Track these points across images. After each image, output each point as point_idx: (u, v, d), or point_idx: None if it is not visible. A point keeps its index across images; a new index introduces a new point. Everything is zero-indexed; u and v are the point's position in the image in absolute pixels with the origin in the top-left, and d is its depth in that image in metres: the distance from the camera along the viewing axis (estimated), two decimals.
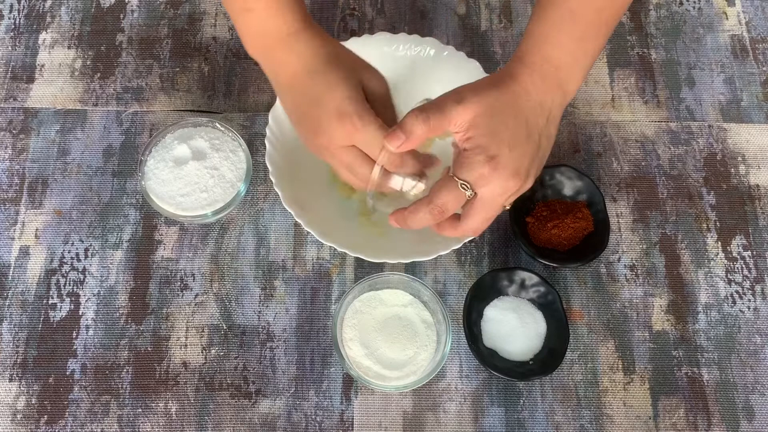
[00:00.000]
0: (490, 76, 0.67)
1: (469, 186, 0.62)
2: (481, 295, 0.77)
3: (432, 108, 0.62)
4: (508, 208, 0.66)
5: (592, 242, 0.78)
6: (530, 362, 0.75)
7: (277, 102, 0.78)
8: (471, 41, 0.91)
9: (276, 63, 0.67)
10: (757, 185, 0.85)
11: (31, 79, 0.89)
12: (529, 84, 0.63)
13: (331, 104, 0.63)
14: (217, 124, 0.82)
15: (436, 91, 0.83)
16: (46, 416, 0.75)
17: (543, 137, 0.64)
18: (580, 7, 0.63)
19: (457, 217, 0.66)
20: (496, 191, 0.63)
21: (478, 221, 0.65)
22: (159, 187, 0.79)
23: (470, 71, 0.81)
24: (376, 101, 0.66)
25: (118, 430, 0.74)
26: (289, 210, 0.73)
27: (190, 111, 0.88)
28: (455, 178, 0.62)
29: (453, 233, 0.67)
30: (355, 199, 0.80)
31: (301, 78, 0.65)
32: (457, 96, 0.62)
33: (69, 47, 0.91)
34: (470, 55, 0.81)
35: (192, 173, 0.79)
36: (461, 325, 0.76)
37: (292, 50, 0.65)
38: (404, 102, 0.85)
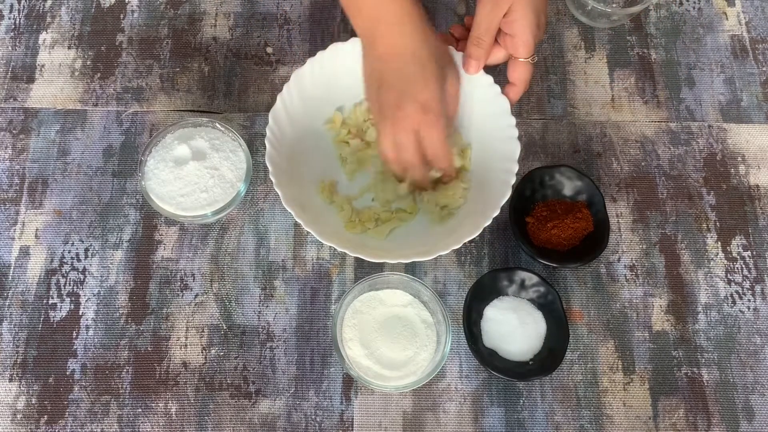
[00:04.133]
0: None
1: (532, 57, 0.76)
2: (480, 295, 0.77)
3: (477, 30, 0.75)
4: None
5: (592, 242, 0.78)
6: (530, 362, 0.75)
7: (278, 102, 0.78)
8: None
9: (381, 35, 0.72)
10: (757, 185, 0.85)
11: (31, 79, 0.89)
12: None
13: (420, 95, 0.71)
14: (217, 124, 0.82)
15: None
16: (46, 416, 0.75)
17: None
18: None
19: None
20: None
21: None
22: (159, 187, 0.79)
23: None
24: (447, 97, 0.76)
25: (118, 430, 0.75)
26: (289, 210, 0.73)
27: (190, 111, 0.88)
28: (526, 61, 0.76)
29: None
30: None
31: (404, 57, 0.71)
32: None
33: (69, 47, 0.91)
34: None
35: (192, 173, 0.79)
36: (461, 325, 0.76)
37: (403, 32, 0.71)
38: None
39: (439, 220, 0.80)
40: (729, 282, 0.81)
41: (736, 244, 0.83)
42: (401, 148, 0.74)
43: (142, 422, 0.75)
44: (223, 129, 0.82)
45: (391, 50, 0.71)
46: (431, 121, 0.72)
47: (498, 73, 0.79)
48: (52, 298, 0.79)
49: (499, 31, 0.76)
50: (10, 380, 0.76)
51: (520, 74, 0.77)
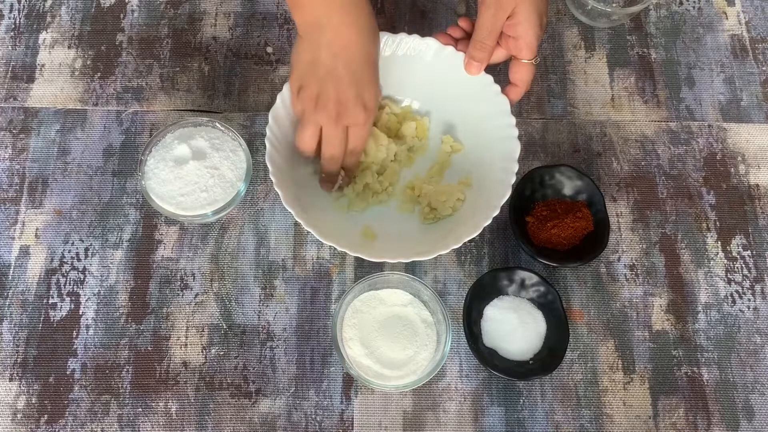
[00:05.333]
0: None
1: (535, 58, 0.77)
2: (481, 295, 0.77)
3: (480, 33, 0.76)
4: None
5: (592, 242, 0.78)
6: (530, 362, 0.75)
7: (278, 101, 0.78)
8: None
9: (331, 24, 0.70)
10: (757, 185, 0.85)
11: (31, 79, 0.89)
12: None
13: (366, 93, 0.72)
14: (217, 124, 0.82)
15: (436, 91, 0.83)
16: (46, 416, 0.75)
17: None
18: None
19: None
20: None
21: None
22: (159, 187, 0.79)
23: None
24: None
25: (118, 429, 0.75)
26: (289, 210, 0.73)
27: (191, 111, 0.88)
28: (529, 62, 0.77)
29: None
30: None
31: (352, 51, 0.70)
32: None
33: (69, 47, 0.91)
34: None
35: (192, 173, 0.79)
36: (461, 325, 0.76)
37: (357, 25, 0.70)
38: (404, 101, 0.86)
39: (422, 219, 0.80)
40: (729, 281, 0.81)
41: (736, 243, 0.83)
42: (329, 142, 0.75)
43: (142, 422, 0.75)
44: (223, 128, 0.82)
45: (341, 41, 0.70)
46: (365, 120, 0.73)
47: (498, 72, 0.79)
48: (53, 297, 0.79)
49: (501, 31, 0.76)
50: (11, 380, 0.76)
51: (522, 75, 0.77)
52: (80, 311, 0.79)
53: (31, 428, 0.75)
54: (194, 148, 0.80)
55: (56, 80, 0.89)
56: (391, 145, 0.81)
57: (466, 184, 0.81)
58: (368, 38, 0.71)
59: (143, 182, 0.80)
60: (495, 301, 0.77)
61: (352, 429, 0.75)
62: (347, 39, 0.70)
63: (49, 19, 0.92)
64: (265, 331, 0.78)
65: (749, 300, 0.80)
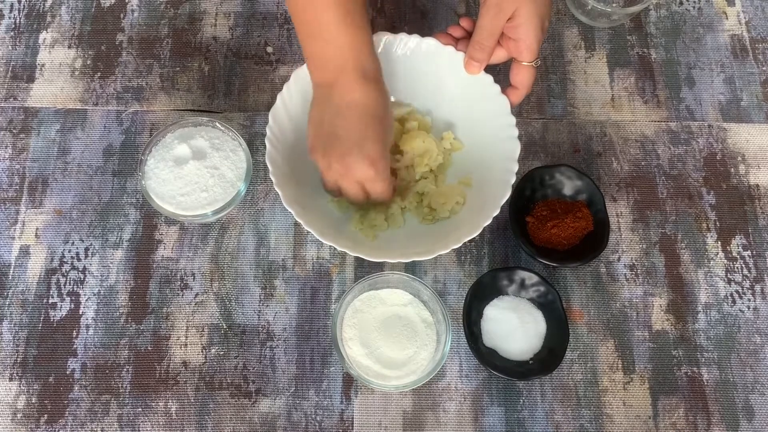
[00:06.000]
0: None
1: (536, 60, 0.77)
2: (481, 295, 0.77)
3: (480, 34, 0.77)
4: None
5: (592, 242, 0.78)
6: (530, 362, 0.75)
7: (278, 101, 0.78)
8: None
9: (340, 87, 0.71)
10: (757, 185, 0.85)
11: (31, 79, 0.89)
12: None
13: (373, 149, 0.71)
14: (218, 124, 0.82)
15: (436, 91, 0.83)
16: (46, 415, 0.75)
17: None
18: None
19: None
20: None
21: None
22: (159, 187, 0.79)
23: None
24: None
25: (118, 429, 0.75)
26: (289, 210, 0.73)
27: (191, 110, 0.88)
28: (530, 65, 0.77)
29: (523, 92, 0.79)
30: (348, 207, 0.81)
31: (358, 112, 0.71)
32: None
33: (69, 47, 0.91)
34: None
35: (192, 173, 0.79)
36: (461, 325, 0.76)
37: (362, 89, 0.70)
38: (404, 102, 0.86)
39: (421, 220, 0.80)
40: (729, 281, 0.81)
41: (736, 243, 0.83)
42: (347, 194, 0.75)
43: (142, 421, 0.75)
44: (223, 128, 0.82)
45: (348, 103, 0.70)
46: (375, 175, 0.72)
47: (498, 72, 0.79)
48: (53, 297, 0.79)
49: (502, 33, 0.76)
50: (11, 379, 0.76)
51: (523, 78, 0.77)
52: (80, 311, 0.79)
53: (31, 428, 0.75)
54: (194, 147, 0.80)
55: (56, 80, 0.89)
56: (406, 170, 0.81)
57: (466, 184, 0.81)
58: (373, 97, 0.71)
59: (143, 182, 0.80)
60: (495, 301, 0.77)
61: (352, 429, 0.75)
62: (350, 98, 0.70)
63: (49, 18, 0.92)
64: (265, 331, 0.78)
65: (749, 300, 0.80)
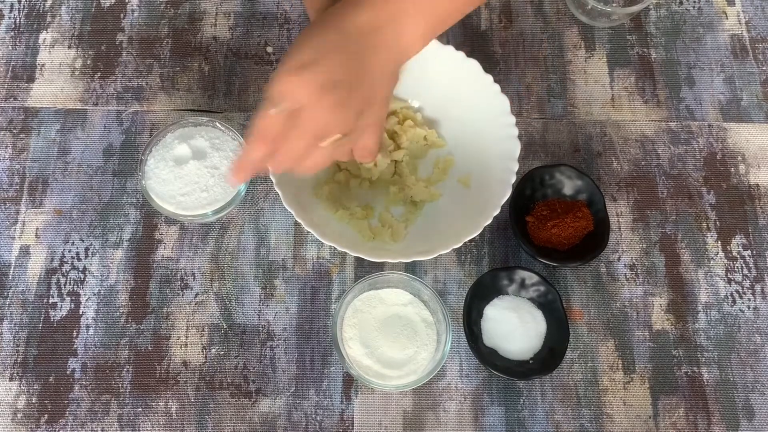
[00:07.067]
0: None
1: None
2: (481, 295, 0.77)
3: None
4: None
5: (592, 241, 0.78)
6: (530, 361, 0.75)
7: None
8: (471, 41, 0.91)
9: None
10: (757, 185, 0.85)
11: (31, 79, 0.89)
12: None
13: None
14: (218, 124, 0.82)
15: (435, 91, 0.83)
16: (46, 415, 0.75)
17: None
18: None
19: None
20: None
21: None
22: (159, 187, 0.79)
23: (470, 71, 0.81)
24: None
25: (118, 429, 0.75)
26: (289, 210, 0.73)
27: (191, 110, 0.88)
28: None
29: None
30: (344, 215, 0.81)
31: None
32: None
33: (69, 47, 0.91)
34: (470, 54, 0.81)
35: (192, 172, 0.79)
36: (461, 324, 0.76)
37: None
38: (404, 101, 0.86)
39: (403, 206, 0.81)
40: (729, 281, 0.81)
41: (736, 243, 0.83)
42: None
43: (142, 421, 0.75)
44: (223, 128, 0.82)
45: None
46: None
47: (498, 72, 0.80)
48: (53, 297, 0.79)
49: None
50: (11, 379, 0.76)
51: None
52: (80, 311, 0.79)
53: (31, 428, 0.75)
54: (194, 147, 0.80)
55: (56, 80, 0.89)
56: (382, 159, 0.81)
57: (465, 184, 0.81)
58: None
59: (143, 182, 0.80)
60: (495, 301, 0.77)
61: (352, 429, 0.75)
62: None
63: (49, 18, 0.92)
64: (265, 331, 0.78)
65: (749, 300, 0.80)
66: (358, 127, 0.63)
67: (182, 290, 0.80)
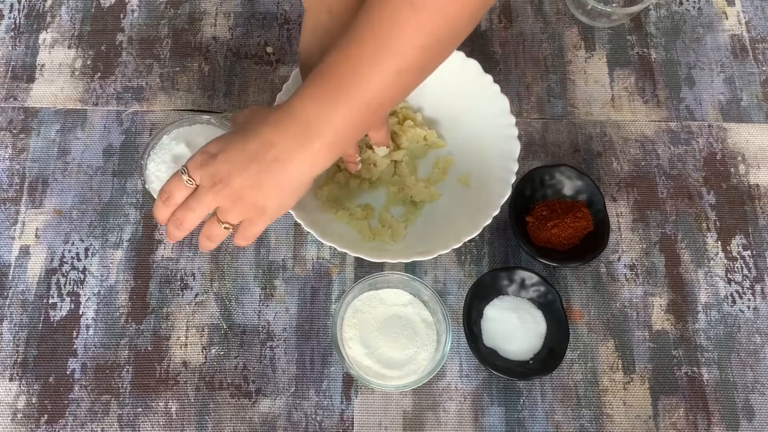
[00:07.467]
0: None
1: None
2: (481, 295, 0.77)
3: None
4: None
5: (592, 242, 0.78)
6: (530, 362, 0.75)
7: (277, 101, 0.78)
8: (471, 41, 0.91)
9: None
10: (757, 185, 0.85)
11: (31, 79, 0.89)
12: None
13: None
14: (218, 124, 0.82)
15: (434, 91, 0.83)
16: (46, 415, 0.75)
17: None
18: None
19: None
20: None
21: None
22: (159, 187, 0.79)
23: (469, 71, 0.81)
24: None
25: (118, 429, 0.75)
26: (290, 210, 0.73)
27: (191, 110, 0.88)
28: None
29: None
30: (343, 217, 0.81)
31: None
32: None
33: (69, 47, 0.91)
34: (470, 54, 0.81)
35: None
36: (461, 325, 0.76)
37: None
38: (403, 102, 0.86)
39: (403, 206, 0.81)
40: (729, 281, 0.81)
41: (736, 243, 0.83)
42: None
43: (142, 421, 0.75)
44: (223, 129, 0.82)
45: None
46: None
47: (498, 72, 0.80)
48: (53, 297, 0.79)
49: None
50: (11, 379, 0.76)
51: None
52: (80, 311, 0.79)
53: (31, 428, 0.75)
54: (194, 147, 0.80)
55: (56, 80, 0.89)
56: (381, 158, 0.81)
57: (465, 184, 0.81)
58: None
59: (143, 182, 0.79)
60: (495, 301, 0.77)
61: (352, 429, 0.75)
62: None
63: (49, 19, 0.92)
64: (265, 331, 0.78)
65: (749, 300, 0.80)
66: (241, 224, 0.67)
67: (182, 290, 0.80)
